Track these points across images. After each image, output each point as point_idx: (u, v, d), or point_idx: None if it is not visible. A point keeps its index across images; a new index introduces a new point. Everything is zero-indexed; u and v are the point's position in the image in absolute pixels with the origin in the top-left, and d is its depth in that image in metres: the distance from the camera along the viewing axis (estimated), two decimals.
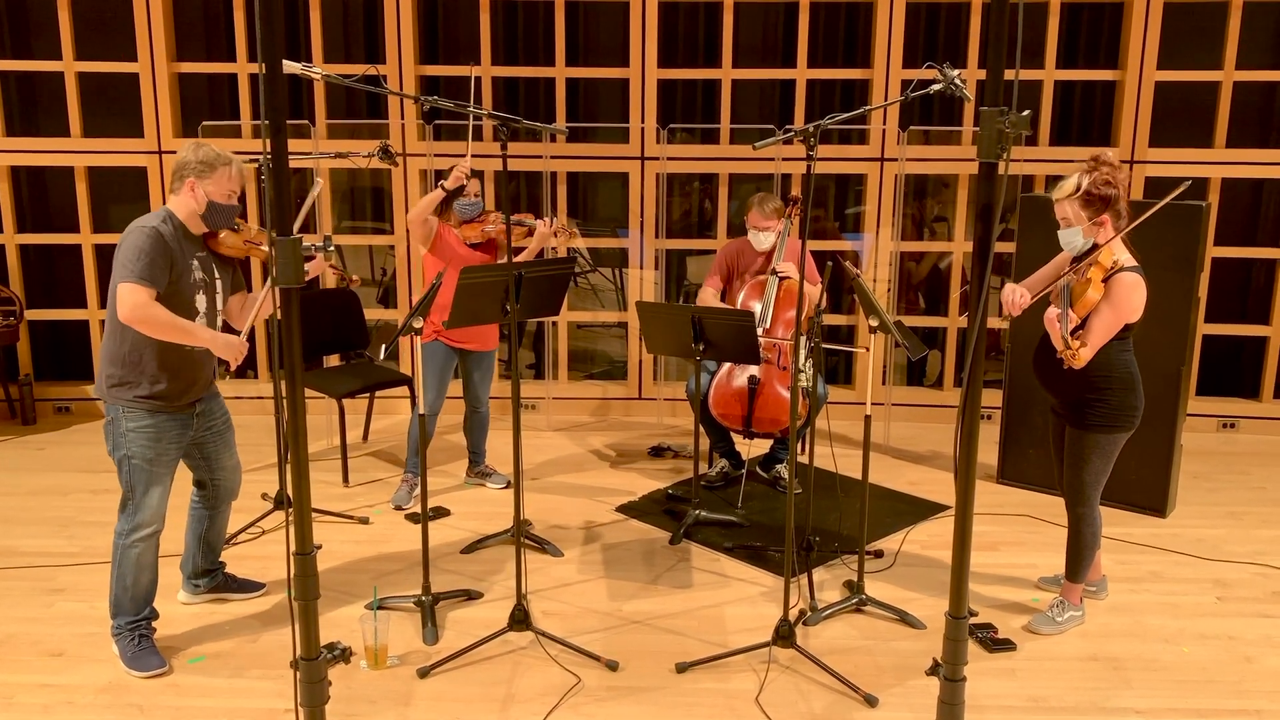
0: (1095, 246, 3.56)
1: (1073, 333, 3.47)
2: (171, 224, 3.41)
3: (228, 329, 3.65)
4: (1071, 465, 3.73)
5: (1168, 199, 3.54)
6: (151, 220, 3.39)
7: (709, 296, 5.09)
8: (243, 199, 3.61)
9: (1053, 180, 5.68)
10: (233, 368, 3.58)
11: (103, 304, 6.15)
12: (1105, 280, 3.51)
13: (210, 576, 3.94)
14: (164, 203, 3.61)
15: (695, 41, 6.27)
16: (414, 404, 4.87)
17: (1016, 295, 3.63)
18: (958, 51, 6.02)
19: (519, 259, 4.63)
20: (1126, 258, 3.57)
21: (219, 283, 3.59)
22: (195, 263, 3.48)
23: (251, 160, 4.86)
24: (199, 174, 3.42)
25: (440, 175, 4.80)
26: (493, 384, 5.16)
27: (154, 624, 3.62)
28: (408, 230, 4.81)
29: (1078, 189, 3.55)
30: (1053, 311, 3.45)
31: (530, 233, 4.73)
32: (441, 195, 4.64)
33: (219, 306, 3.60)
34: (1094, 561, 3.97)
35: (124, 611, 3.54)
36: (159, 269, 3.33)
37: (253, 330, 3.68)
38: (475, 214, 4.78)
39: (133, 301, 3.30)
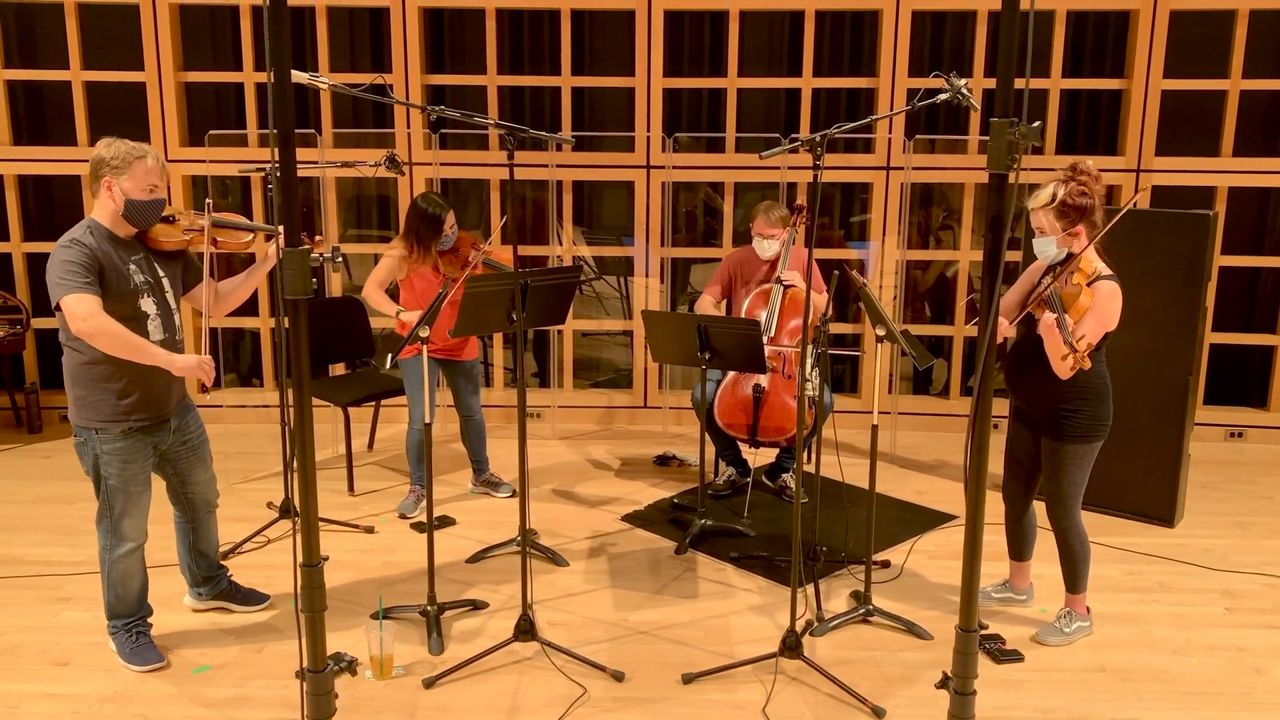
0: (1070, 256, 3.56)
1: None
2: (96, 233, 3.29)
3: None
4: (1050, 478, 3.73)
5: (1125, 208, 3.56)
6: (73, 233, 3.28)
7: (707, 305, 5.08)
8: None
9: None
10: (209, 386, 3.37)
11: None
12: (1088, 286, 3.52)
13: (212, 584, 3.92)
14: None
15: (701, 50, 6.27)
16: (413, 416, 4.85)
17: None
18: (963, 61, 6.02)
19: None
20: (1103, 267, 3.58)
21: (165, 281, 3.46)
22: (133, 266, 3.35)
23: (258, 169, 4.89)
24: (114, 171, 3.27)
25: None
26: (492, 391, 5.13)
27: (149, 620, 3.64)
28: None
29: (1053, 199, 3.54)
30: (1050, 318, 3.42)
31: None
32: (394, 313, 4.60)
33: (172, 305, 3.48)
34: (1026, 567, 4.04)
35: (119, 615, 3.58)
36: (94, 276, 3.22)
37: (216, 342, 3.58)
38: (449, 245, 4.71)
39: (84, 311, 3.18)
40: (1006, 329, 3.68)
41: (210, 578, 3.91)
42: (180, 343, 3.54)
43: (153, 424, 3.46)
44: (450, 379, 4.95)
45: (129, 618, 3.57)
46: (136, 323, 3.34)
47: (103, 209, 3.34)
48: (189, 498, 3.72)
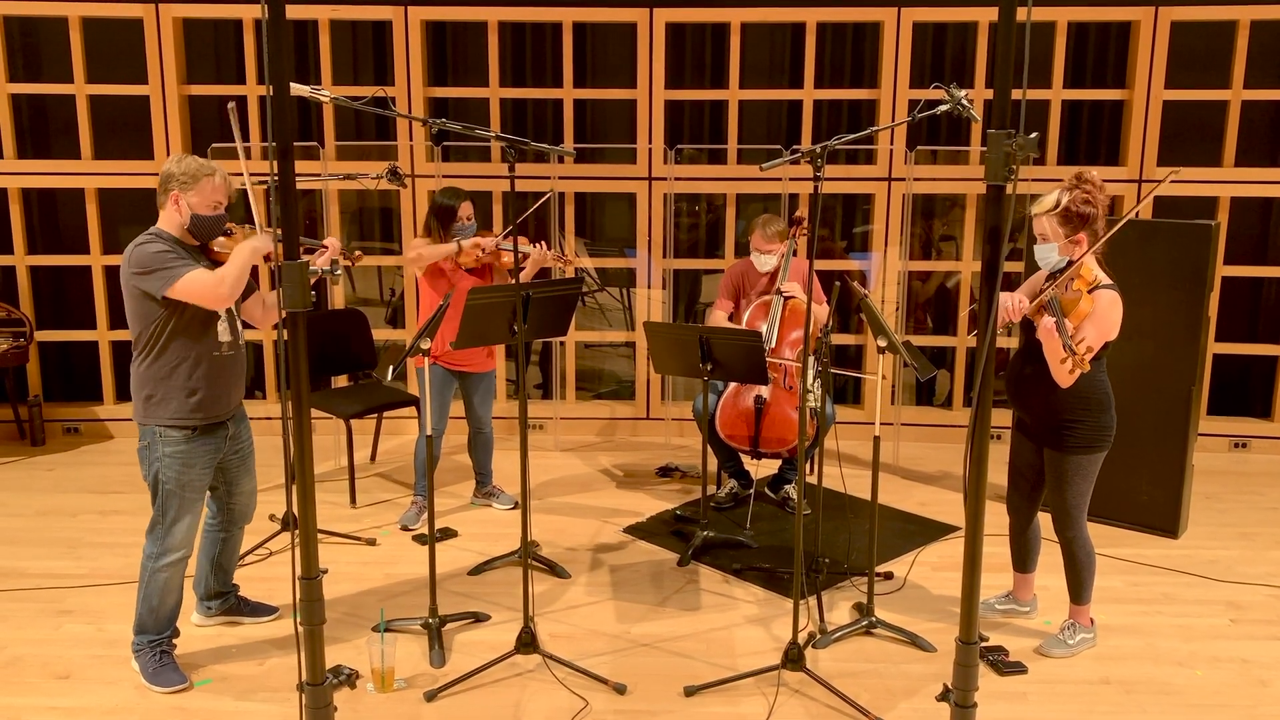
0: (1070, 264, 3.56)
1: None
2: (162, 239, 3.41)
3: (246, 326, 3.70)
4: (1055, 489, 3.72)
5: (1130, 213, 3.60)
6: (143, 236, 3.41)
7: (720, 319, 5.08)
8: (247, 209, 3.59)
9: None
10: (272, 255, 3.50)
11: (112, 325, 6.18)
12: (1089, 293, 3.52)
13: (223, 599, 3.94)
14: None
15: (702, 62, 6.29)
16: (420, 426, 4.85)
17: (1014, 301, 3.59)
18: (964, 72, 6.03)
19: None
20: (1103, 276, 3.57)
21: None
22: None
23: (260, 183, 4.88)
24: (182, 186, 3.41)
25: (448, 212, 4.75)
26: (498, 404, 5.13)
27: (175, 641, 3.65)
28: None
29: (1056, 205, 3.55)
30: (1049, 322, 3.42)
31: (525, 257, 4.70)
32: (456, 250, 4.66)
33: (235, 312, 3.61)
34: (1030, 579, 4.02)
35: (147, 630, 3.57)
36: (180, 255, 3.36)
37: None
38: (469, 238, 4.76)
39: (210, 280, 3.32)
40: (1027, 306, 3.62)
41: (222, 593, 3.94)
42: (243, 347, 3.65)
43: (214, 425, 3.55)
44: (464, 391, 4.95)
45: (156, 635, 3.57)
46: (208, 324, 3.47)
47: (169, 220, 3.46)
48: (231, 508, 3.78)
